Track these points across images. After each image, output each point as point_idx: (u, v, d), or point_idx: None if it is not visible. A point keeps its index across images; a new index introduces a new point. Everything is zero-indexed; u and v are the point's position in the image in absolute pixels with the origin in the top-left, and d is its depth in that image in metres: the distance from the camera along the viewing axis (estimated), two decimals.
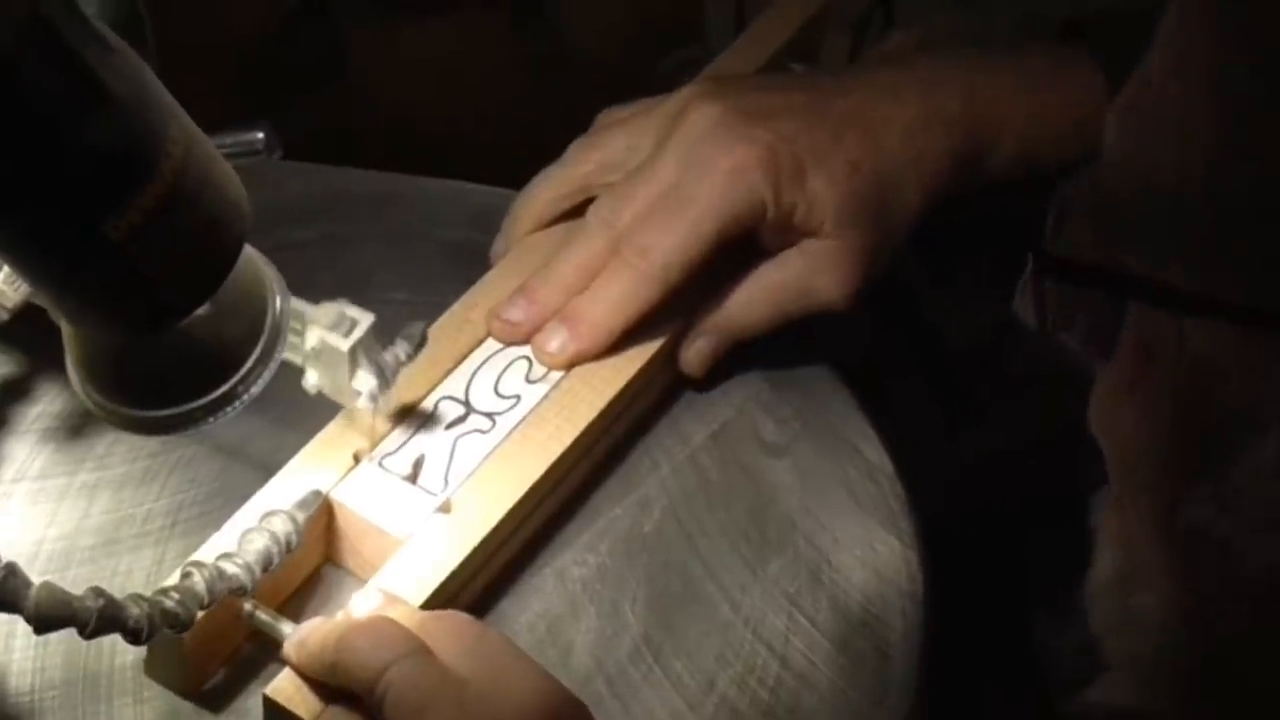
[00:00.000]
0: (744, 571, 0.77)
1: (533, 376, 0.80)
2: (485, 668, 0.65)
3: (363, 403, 0.73)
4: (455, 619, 0.69)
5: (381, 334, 0.72)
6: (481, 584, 0.75)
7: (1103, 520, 0.58)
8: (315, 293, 0.71)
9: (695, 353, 0.83)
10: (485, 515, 0.74)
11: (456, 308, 0.83)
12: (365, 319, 0.71)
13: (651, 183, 0.81)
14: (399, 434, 0.77)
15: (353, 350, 0.71)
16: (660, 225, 0.80)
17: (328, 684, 0.66)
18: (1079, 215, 0.52)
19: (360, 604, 0.69)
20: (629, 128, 0.87)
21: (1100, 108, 0.79)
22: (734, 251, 0.82)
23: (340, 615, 0.68)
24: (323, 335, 0.70)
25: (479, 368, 0.80)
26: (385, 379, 0.73)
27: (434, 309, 0.82)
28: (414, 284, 0.88)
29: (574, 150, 0.88)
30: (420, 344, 0.75)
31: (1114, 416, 0.54)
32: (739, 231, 0.81)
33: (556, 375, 0.80)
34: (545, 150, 0.88)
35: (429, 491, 0.74)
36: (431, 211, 0.93)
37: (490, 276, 0.85)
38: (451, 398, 0.79)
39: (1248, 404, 0.49)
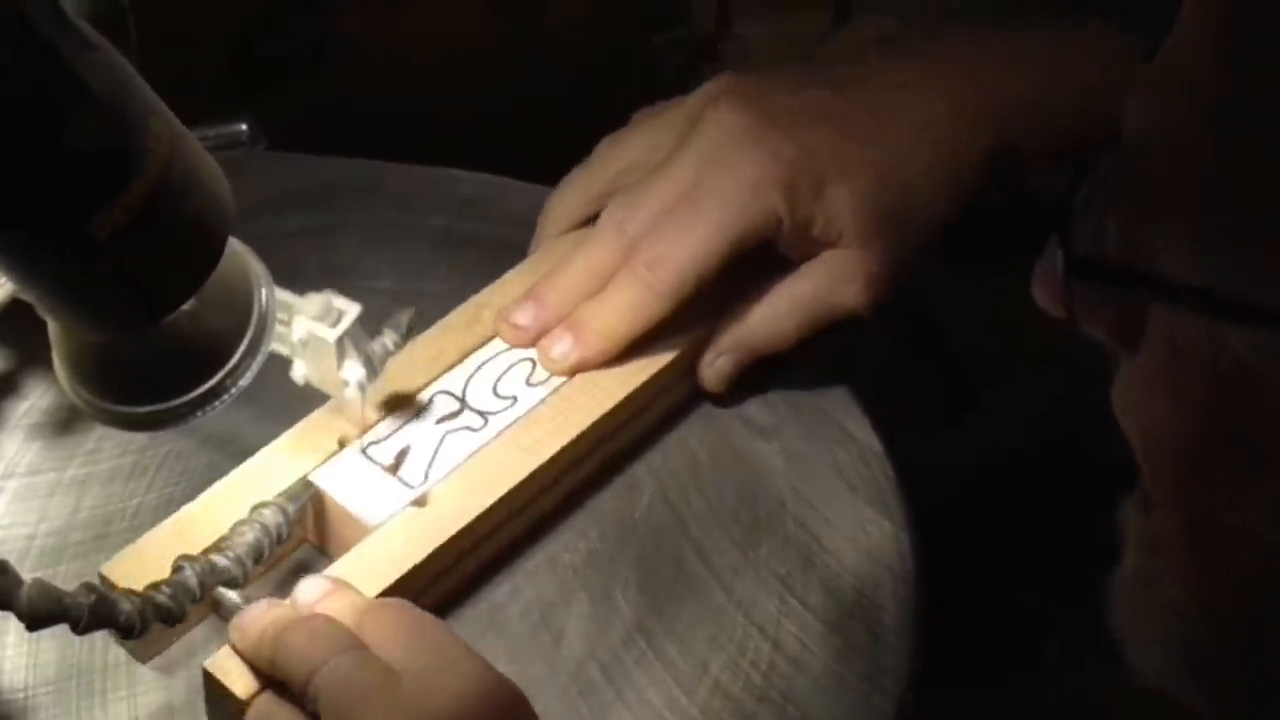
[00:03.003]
0: (735, 554, 0.77)
1: (534, 380, 0.79)
2: (422, 660, 0.64)
3: (350, 392, 0.73)
4: (396, 608, 0.67)
5: (368, 323, 0.72)
6: (452, 584, 0.74)
7: (1127, 516, 0.56)
8: (301, 282, 0.71)
9: (716, 371, 0.82)
10: (458, 513, 0.73)
11: (469, 304, 0.82)
12: (352, 309, 0.71)
13: (666, 186, 0.80)
14: (389, 423, 0.76)
15: (340, 340, 0.71)
16: (672, 236, 0.78)
17: None
18: (1102, 209, 0.49)
19: (307, 589, 0.68)
20: (652, 126, 0.85)
21: (1124, 76, 0.77)
22: (751, 260, 0.80)
23: (288, 601, 0.68)
24: (310, 326, 0.70)
25: (481, 366, 0.80)
26: (373, 368, 0.73)
27: (419, 296, 0.82)
28: (399, 272, 0.88)
29: (601, 150, 0.86)
30: (408, 333, 0.74)
31: (1142, 406, 0.51)
32: (753, 244, 0.79)
33: (558, 380, 0.79)
34: (528, 132, 0.88)
35: (407, 484, 0.74)
36: (415, 199, 0.93)
37: (509, 276, 0.84)
38: (448, 392, 0.78)
39: None
